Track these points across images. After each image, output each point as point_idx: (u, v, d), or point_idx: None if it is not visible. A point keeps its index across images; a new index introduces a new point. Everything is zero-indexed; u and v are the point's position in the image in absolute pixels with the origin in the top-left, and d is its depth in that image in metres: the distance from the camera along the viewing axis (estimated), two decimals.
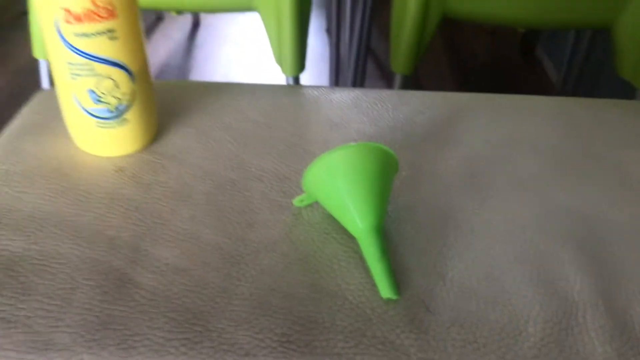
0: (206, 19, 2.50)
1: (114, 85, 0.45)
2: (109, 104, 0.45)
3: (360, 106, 0.57)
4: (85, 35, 0.42)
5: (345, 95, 0.58)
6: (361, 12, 1.82)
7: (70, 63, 0.43)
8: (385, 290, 0.37)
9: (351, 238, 0.41)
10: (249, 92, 0.58)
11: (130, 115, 0.47)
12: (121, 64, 0.44)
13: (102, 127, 0.47)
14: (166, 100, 0.56)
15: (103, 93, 0.45)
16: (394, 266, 0.39)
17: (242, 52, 2.28)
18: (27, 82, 2.08)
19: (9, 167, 0.48)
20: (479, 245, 0.41)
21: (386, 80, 2.10)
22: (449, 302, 0.37)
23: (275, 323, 0.36)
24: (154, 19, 2.38)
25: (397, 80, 1.12)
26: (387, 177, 0.41)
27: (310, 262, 0.40)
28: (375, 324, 0.36)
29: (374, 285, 0.38)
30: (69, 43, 0.42)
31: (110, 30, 0.42)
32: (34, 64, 2.34)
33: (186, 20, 2.45)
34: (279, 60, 1.19)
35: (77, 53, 0.43)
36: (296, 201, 0.44)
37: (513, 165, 0.49)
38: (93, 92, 0.44)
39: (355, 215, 0.39)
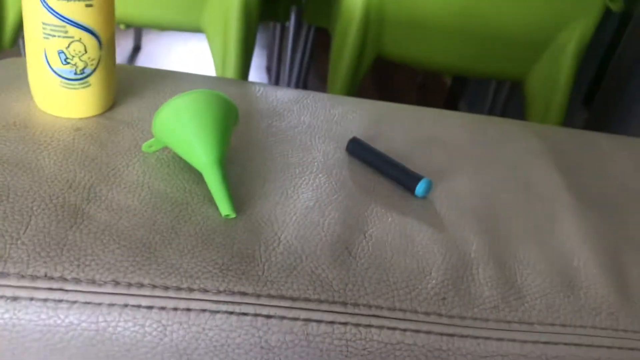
0: (147, 46, 2.54)
1: (83, 49, 0.49)
2: (75, 66, 0.50)
3: (301, 102, 0.64)
4: None
5: (289, 93, 0.65)
6: (301, 53, 1.93)
7: (45, 23, 0.48)
8: (225, 209, 0.43)
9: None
10: (200, 80, 0.64)
11: (93, 79, 0.51)
12: (92, 30, 0.49)
13: (65, 87, 0.51)
14: (125, 80, 0.60)
15: (72, 55, 0.49)
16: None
17: None
18: None
19: None
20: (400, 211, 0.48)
21: None
22: (371, 250, 0.43)
23: (217, 255, 0.40)
24: None
25: None
26: (227, 121, 0.48)
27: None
28: (305, 261, 0.41)
29: (307, 231, 0.44)
30: (47, 4, 0.47)
31: None
32: None
33: (127, 44, 2.48)
34: None
35: (53, 14, 0.47)
36: (145, 147, 0.49)
37: (427, 157, 0.56)
38: (63, 52, 0.49)
39: (200, 151, 0.45)
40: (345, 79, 1.30)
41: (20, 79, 0.56)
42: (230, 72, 1.25)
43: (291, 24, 1.82)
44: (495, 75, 1.41)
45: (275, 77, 2.10)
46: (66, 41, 0.48)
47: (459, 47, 1.27)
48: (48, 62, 0.49)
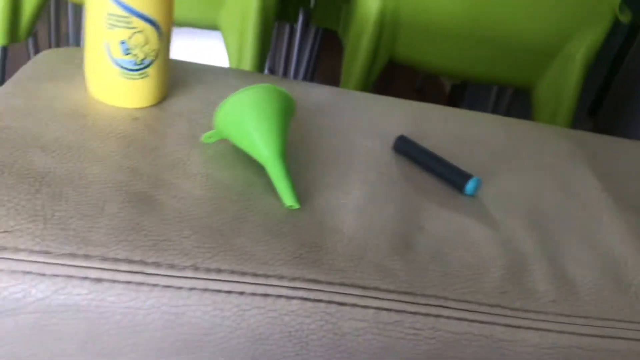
0: None
1: (144, 40, 0.50)
2: (136, 56, 0.50)
3: (341, 100, 0.65)
4: None
5: (327, 91, 0.66)
6: (307, 56, 1.94)
7: (110, 14, 0.48)
8: (289, 200, 0.45)
9: None
10: (244, 76, 0.65)
11: (151, 70, 0.52)
12: (155, 21, 0.50)
13: (124, 77, 0.51)
14: (174, 73, 0.61)
15: (134, 46, 0.50)
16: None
17: None
18: None
19: (29, 101, 0.51)
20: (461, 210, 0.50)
21: None
22: (430, 244, 0.45)
23: (287, 244, 0.41)
24: None
25: None
26: (287, 116, 0.49)
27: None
28: (369, 253, 0.42)
29: (367, 224, 0.45)
30: None
31: None
32: None
33: None
34: None
35: (119, 5, 0.48)
36: (205, 137, 0.50)
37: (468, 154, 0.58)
38: (125, 43, 0.50)
39: (262, 144, 0.47)
40: (358, 81, 1.31)
41: (71, 68, 0.57)
42: (246, 68, 1.25)
43: (298, 25, 1.83)
44: (504, 81, 1.44)
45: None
46: (129, 32, 0.49)
47: (470, 53, 1.30)
48: (110, 52, 0.50)
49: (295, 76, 1.99)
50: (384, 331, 0.39)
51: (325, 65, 2.47)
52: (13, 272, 0.36)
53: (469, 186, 0.51)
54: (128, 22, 0.49)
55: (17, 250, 0.36)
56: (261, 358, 0.38)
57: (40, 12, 1.17)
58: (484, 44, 1.26)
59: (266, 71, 2.50)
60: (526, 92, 1.39)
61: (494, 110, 1.81)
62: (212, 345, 0.38)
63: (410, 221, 0.47)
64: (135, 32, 0.49)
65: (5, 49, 1.18)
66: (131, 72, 0.51)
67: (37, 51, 1.68)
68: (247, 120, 0.47)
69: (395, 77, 2.67)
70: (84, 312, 0.36)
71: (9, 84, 0.55)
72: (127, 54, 0.50)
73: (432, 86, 2.62)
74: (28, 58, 1.73)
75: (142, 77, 0.52)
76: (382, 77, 2.72)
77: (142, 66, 0.51)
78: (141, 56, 0.51)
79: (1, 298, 0.36)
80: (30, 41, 1.72)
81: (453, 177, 0.53)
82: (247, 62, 1.25)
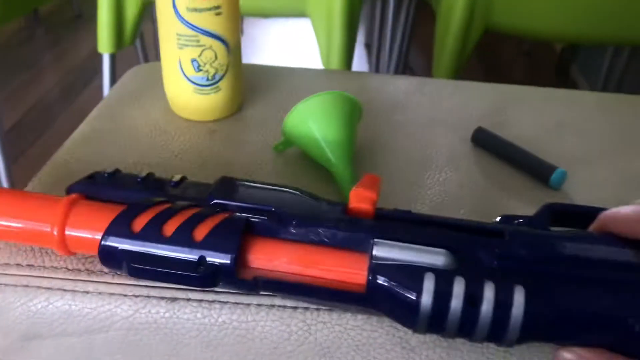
0: (246, 30, 2.60)
1: (213, 56, 0.52)
2: (207, 72, 0.52)
3: (420, 91, 0.63)
4: (196, 10, 0.49)
5: (407, 82, 0.65)
6: (402, 28, 1.89)
7: (179, 34, 0.50)
8: None
9: None
10: (318, 75, 0.65)
11: (223, 84, 0.54)
12: (222, 37, 0.51)
13: (198, 93, 0.53)
14: (247, 79, 0.62)
15: (204, 62, 0.52)
16: None
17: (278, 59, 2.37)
18: (78, 80, 2.20)
19: (114, 126, 0.55)
20: None
21: None
22: None
23: None
24: None
25: None
26: (353, 121, 0.49)
27: None
28: None
29: None
30: (181, 16, 0.49)
31: (216, 7, 0.49)
32: (85, 64, 2.45)
33: None
34: (327, 65, 1.26)
35: (187, 25, 0.50)
36: (275, 147, 0.51)
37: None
38: (195, 60, 0.51)
39: (329, 152, 0.47)
40: (452, 54, 1.26)
41: (155, 84, 0.60)
42: (335, 55, 1.24)
43: None
44: (620, 40, 1.31)
45: (376, 54, 2.08)
46: (199, 50, 0.51)
47: (579, 12, 1.18)
48: (182, 70, 0.52)
49: (391, 49, 1.95)
50: (454, 344, 0.38)
51: (421, 37, 2.39)
52: (100, 293, 0.39)
53: (554, 179, 0.48)
54: (197, 41, 0.50)
55: (102, 273, 0.40)
56: None
57: (143, 16, 1.24)
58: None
59: (362, 47, 2.48)
60: None
61: (609, 72, 1.66)
62: (282, 358, 0.39)
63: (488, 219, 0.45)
64: (204, 49, 0.51)
65: (113, 56, 1.26)
66: (204, 88, 0.53)
67: (144, 50, 1.79)
68: (312, 129, 0.47)
69: (501, 41, 2.53)
70: (164, 328, 0.39)
71: (98, 107, 0.59)
72: (198, 71, 0.52)
73: (542, 48, 2.45)
74: (137, 58, 1.84)
75: (215, 92, 0.54)
76: (487, 43, 2.59)
77: (214, 81, 0.53)
78: (212, 72, 0.52)
79: (93, 317, 0.39)
80: (138, 42, 1.83)
81: (536, 170, 0.49)
82: (336, 47, 1.24)
